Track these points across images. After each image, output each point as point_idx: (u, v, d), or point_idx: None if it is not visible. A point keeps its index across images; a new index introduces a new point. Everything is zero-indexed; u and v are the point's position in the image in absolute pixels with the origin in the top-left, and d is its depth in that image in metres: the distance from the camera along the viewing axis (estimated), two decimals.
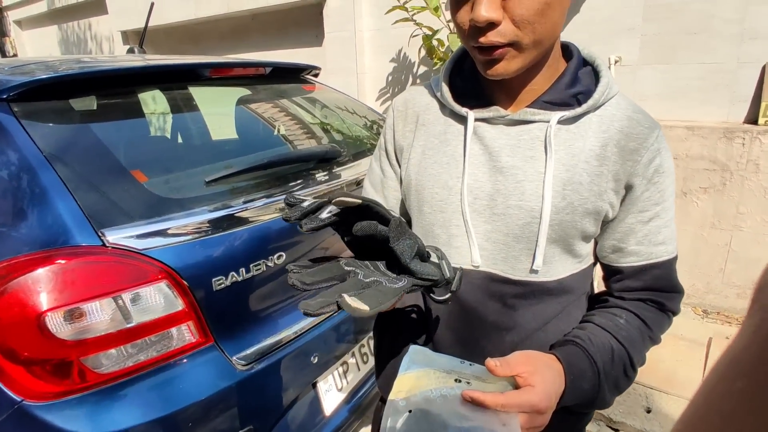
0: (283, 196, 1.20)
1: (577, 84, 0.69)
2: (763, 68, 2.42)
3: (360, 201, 0.56)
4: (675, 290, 0.74)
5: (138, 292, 0.92)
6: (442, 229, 0.75)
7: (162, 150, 1.46)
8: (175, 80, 1.47)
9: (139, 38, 2.12)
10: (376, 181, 0.87)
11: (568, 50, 0.73)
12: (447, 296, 0.61)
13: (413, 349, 0.68)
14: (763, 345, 0.19)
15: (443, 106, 0.77)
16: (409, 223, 0.86)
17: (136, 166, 1.09)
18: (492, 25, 0.59)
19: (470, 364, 0.64)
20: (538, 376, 0.60)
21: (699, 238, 2.60)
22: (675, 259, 0.73)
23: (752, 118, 2.49)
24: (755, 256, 2.48)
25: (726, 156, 2.44)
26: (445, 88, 0.76)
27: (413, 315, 0.85)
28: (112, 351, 0.89)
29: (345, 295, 0.51)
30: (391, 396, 0.60)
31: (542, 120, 0.68)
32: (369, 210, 0.57)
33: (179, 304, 0.97)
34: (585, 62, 0.74)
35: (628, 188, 0.69)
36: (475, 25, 0.60)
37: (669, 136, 2.54)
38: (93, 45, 6.40)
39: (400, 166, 0.82)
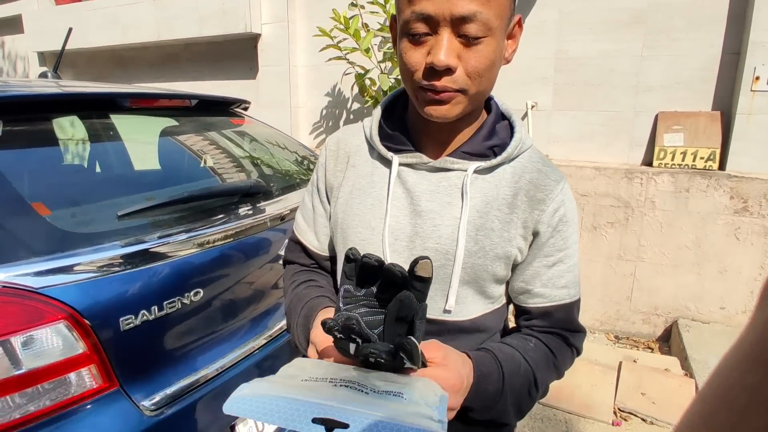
0: (204, 230, 1.17)
1: (493, 137, 0.75)
2: (656, 117, 2.75)
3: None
4: (577, 330, 0.80)
5: (31, 334, 0.85)
6: None
7: (73, 182, 1.37)
8: (93, 108, 1.41)
9: (55, 61, 2.01)
10: (308, 216, 0.88)
11: (488, 104, 0.80)
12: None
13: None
14: None
15: (372, 149, 0.80)
16: (334, 259, 0.87)
17: (39, 198, 1.02)
18: (448, 70, 0.63)
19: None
20: (450, 359, 0.63)
21: (608, 269, 2.83)
22: (577, 302, 0.79)
23: (648, 161, 2.80)
24: (655, 284, 2.73)
25: (628, 194, 2.70)
26: (375, 132, 0.79)
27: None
28: None
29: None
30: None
31: (460, 169, 0.73)
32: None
33: (80, 347, 0.90)
34: (503, 116, 0.80)
35: (535, 234, 0.74)
36: (431, 67, 0.63)
37: (580, 175, 2.78)
38: (6, 64, 5.95)
39: (330, 204, 0.85)
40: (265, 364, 1.34)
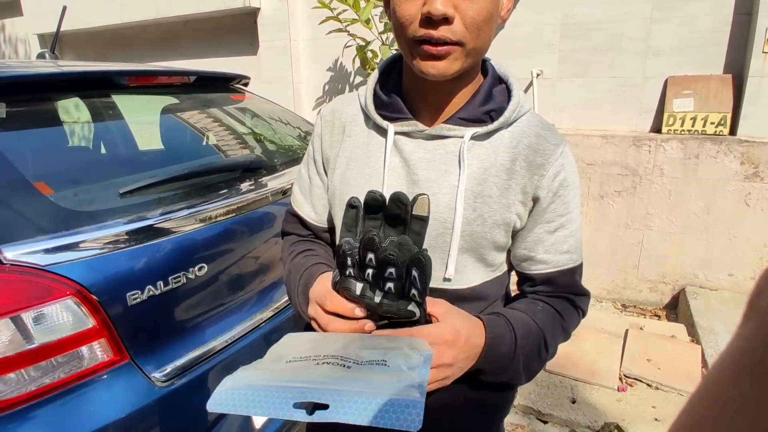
0: (207, 206, 1.18)
1: (490, 101, 0.73)
2: (665, 82, 2.68)
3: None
4: (582, 293, 0.80)
5: (42, 311, 0.87)
6: None
7: (76, 161, 1.38)
8: (92, 87, 1.40)
9: (51, 42, 2.00)
10: (304, 188, 0.88)
11: (484, 67, 0.78)
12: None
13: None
14: (759, 352, 0.18)
15: (368, 118, 0.79)
16: (332, 230, 0.87)
17: (41, 177, 1.03)
18: (445, 20, 0.61)
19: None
20: (448, 315, 0.65)
21: (615, 238, 2.81)
22: (580, 266, 0.78)
23: (657, 127, 2.74)
24: (663, 252, 2.72)
25: (635, 162, 2.66)
26: (370, 101, 0.78)
27: None
28: (11, 375, 0.83)
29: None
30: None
31: (457, 135, 0.72)
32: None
33: (89, 322, 0.92)
34: (501, 79, 0.78)
35: (535, 200, 0.73)
36: (428, 17, 0.61)
37: (586, 144, 2.74)
38: (7, 48, 5.93)
39: (327, 175, 0.84)
40: (272, 336, 1.36)
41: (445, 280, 0.74)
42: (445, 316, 0.64)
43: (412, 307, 0.60)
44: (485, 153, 0.72)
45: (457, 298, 0.76)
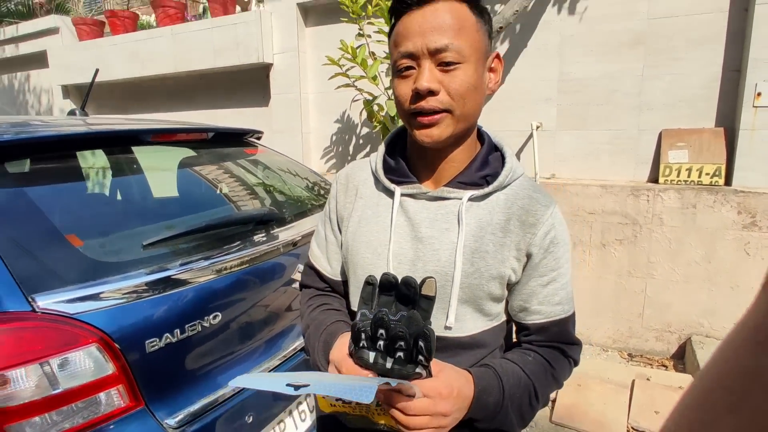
0: (222, 257, 1.25)
1: (486, 167, 0.83)
2: (660, 134, 2.79)
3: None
4: (573, 342, 0.86)
5: (66, 357, 0.92)
6: None
7: (100, 213, 1.47)
8: (117, 144, 1.51)
9: (82, 100, 2.15)
10: (321, 244, 0.97)
11: (481, 136, 0.88)
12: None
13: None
14: None
15: (377, 181, 0.89)
16: (346, 283, 0.94)
17: (72, 230, 1.11)
18: (431, 93, 0.73)
19: None
20: (443, 372, 0.71)
21: (619, 286, 2.84)
22: (572, 316, 0.86)
23: (654, 178, 2.83)
24: (667, 301, 2.73)
25: (635, 211, 2.73)
26: (380, 166, 0.89)
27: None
28: (36, 419, 0.87)
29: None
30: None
31: (456, 197, 0.81)
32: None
33: (109, 368, 0.97)
34: (496, 147, 0.88)
35: (529, 256, 0.81)
36: (417, 92, 0.74)
37: (586, 193, 2.82)
38: (31, 97, 6.24)
39: (341, 233, 0.93)
40: None
41: (446, 328, 0.81)
42: (439, 372, 0.71)
43: (419, 369, 0.68)
44: (482, 213, 0.81)
45: (457, 345, 0.82)
